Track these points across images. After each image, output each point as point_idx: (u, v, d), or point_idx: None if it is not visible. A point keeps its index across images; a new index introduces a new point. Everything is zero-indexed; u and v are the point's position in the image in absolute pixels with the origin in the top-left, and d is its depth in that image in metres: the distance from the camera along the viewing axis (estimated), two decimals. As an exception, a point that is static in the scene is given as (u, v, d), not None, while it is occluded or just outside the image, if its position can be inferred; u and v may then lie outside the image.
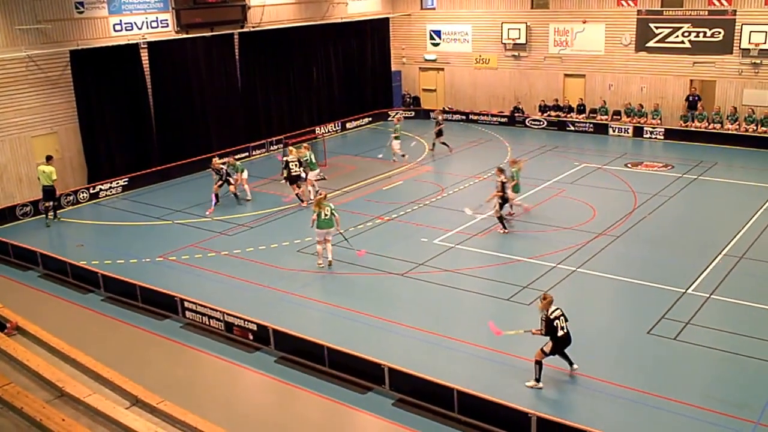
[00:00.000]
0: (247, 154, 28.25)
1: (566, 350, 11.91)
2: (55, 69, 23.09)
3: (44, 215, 21.35)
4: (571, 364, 12.07)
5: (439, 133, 27.37)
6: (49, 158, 21.10)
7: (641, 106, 30.03)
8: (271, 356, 13.23)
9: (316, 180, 22.46)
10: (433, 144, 27.66)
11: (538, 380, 11.80)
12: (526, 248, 17.88)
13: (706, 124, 28.35)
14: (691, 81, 29.43)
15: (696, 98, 29.03)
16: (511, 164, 20.48)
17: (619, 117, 30.51)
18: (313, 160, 22.43)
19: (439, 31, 35.21)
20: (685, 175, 23.74)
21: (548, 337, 11.66)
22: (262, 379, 12.72)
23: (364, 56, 34.42)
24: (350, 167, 25.67)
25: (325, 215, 16.69)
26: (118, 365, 10.86)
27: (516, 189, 19.74)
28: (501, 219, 18.98)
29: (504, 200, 19.04)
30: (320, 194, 17.91)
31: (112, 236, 20.23)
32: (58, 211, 21.60)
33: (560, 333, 11.59)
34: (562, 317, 11.66)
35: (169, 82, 26.10)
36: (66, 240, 19.85)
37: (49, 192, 21.00)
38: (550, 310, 11.60)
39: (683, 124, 28.92)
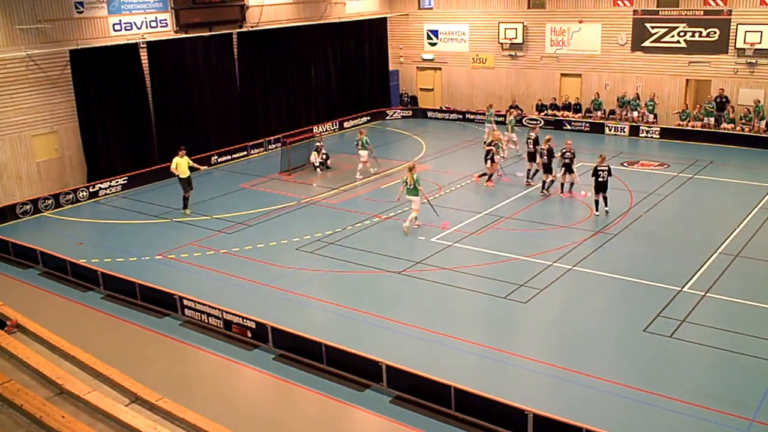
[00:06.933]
0: (245, 153, 28.35)
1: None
2: (55, 68, 23.15)
3: (184, 206, 21.72)
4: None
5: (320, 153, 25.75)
6: (180, 149, 21.43)
7: (637, 95, 30.06)
8: (269, 354, 13.30)
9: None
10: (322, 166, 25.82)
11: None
12: (522, 246, 17.97)
13: (732, 125, 27.97)
14: (693, 81, 29.55)
15: (724, 100, 28.40)
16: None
17: (614, 116, 30.60)
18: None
19: (437, 31, 35.29)
20: (680, 174, 23.84)
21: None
22: (260, 376, 12.80)
23: (362, 56, 34.48)
24: (348, 166, 25.71)
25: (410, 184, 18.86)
26: (118, 363, 10.96)
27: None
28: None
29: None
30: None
31: (112, 234, 20.30)
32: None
33: (599, 180, 19.38)
34: (605, 172, 19.36)
35: (168, 82, 26.17)
36: (66, 238, 19.90)
37: (189, 182, 21.58)
38: (599, 164, 19.22)
39: (701, 125, 28.65)
